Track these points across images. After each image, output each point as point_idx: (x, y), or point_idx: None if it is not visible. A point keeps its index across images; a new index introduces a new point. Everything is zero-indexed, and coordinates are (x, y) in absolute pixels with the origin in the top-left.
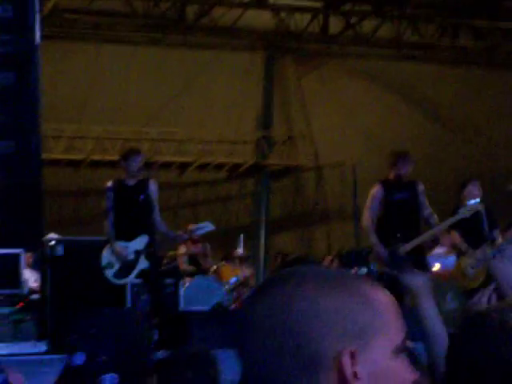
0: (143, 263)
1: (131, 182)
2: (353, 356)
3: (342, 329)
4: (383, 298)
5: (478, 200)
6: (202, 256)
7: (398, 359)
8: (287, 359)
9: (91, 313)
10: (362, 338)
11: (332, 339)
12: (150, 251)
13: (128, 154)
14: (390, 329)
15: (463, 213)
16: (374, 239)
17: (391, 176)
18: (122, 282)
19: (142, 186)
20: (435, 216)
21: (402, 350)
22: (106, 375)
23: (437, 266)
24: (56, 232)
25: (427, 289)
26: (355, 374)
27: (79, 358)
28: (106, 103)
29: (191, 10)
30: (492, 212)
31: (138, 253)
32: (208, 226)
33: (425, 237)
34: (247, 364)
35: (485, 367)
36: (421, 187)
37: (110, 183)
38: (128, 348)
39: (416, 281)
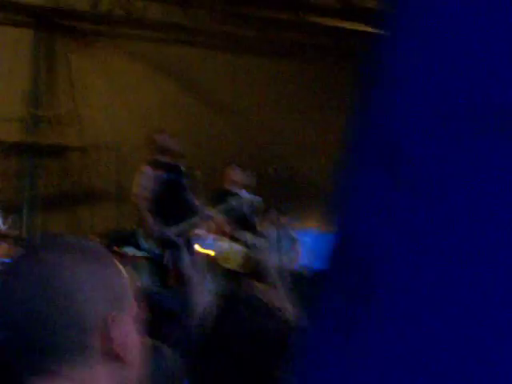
0: None
1: None
2: (113, 320)
3: (102, 293)
4: (127, 274)
5: (249, 194)
6: None
7: (136, 328)
8: (56, 322)
9: None
10: (118, 302)
11: (95, 303)
12: None
13: None
14: (131, 296)
15: (234, 204)
16: (148, 217)
17: (158, 156)
18: None
19: None
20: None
21: (138, 320)
22: None
23: (197, 247)
24: None
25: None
26: (115, 337)
27: None
28: None
29: None
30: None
31: None
32: None
33: (193, 221)
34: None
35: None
36: (184, 167)
37: None
38: None
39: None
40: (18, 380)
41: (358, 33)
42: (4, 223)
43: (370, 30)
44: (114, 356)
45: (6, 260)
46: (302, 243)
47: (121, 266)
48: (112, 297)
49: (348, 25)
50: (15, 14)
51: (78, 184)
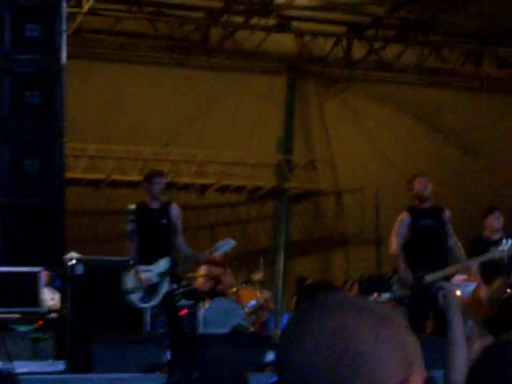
0: (167, 286)
1: (155, 204)
2: (405, 383)
3: (399, 357)
4: (413, 334)
5: (510, 242)
6: (223, 278)
7: None
8: (352, 379)
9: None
10: (409, 365)
11: (390, 366)
12: (173, 273)
13: (151, 176)
14: (421, 361)
15: (494, 254)
16: (402, 264)
17: (416, 202)
18: (147, 305)
19: (165, 209)
20: (460, 247)
21: (427, 381)
22: None
23: (457, 293)
24: (76, 251)
25: (459, 307)
26: None
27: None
28: (127, 123)
29: (215, 33)
30: None
31: (161, 275)
32: (230, 243)
33: (452, 269)
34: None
35: None
36: (447, 214)
37: (132, 206)
38: None
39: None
40: None
41: None
42: (261, 270)
43: None
44: None
45: (253, 302)
46: None
47: (410, 329)
48: (405, 361)
49: None
50: (269, 62)
51: (332, 228)
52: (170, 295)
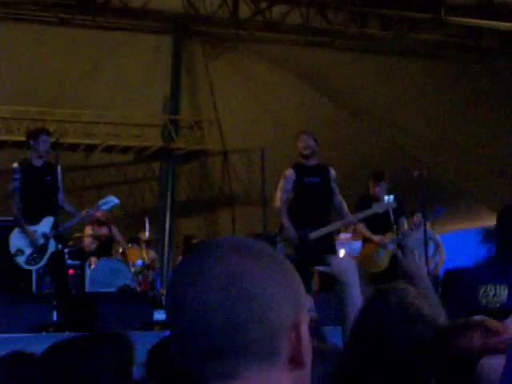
0: (53, 246)
1: (38, 162)
2: (299, 324)
3: (291, 300)
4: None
5: (392, 197)
6: (108, 237)
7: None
8: (251, 320)
9: None
10: (299, 309)
11: (286, 308)
12: (58, 233)
13: (37, 133)
14: (305, 307)
15: (377, 209)
16: (285, 221)
17: (301, 160)
18: (35, 267)
19: (49, 167)
20: (345, 205)
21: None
22: None
23: (342, 252)
24: None
25: (355, 275)
26: (301, 344)
27: None
28: (12, 83)
29: None
30: (400, 200)
31: (46, 236)
32: (112, 201)
33: (335, 226)
34: (188, 320)
35: (384, 341)
36: (332, 173)
37: (15, 164)
38: None
39: (345, 266)
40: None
41: (498, 31)
42: (147, 230)
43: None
44: (298, 360)
45: (140, 262)
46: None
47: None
48: (297, 302)
49: (487, 23)
50: (155, 21)
51: (219, 189)
52: (56, 255)
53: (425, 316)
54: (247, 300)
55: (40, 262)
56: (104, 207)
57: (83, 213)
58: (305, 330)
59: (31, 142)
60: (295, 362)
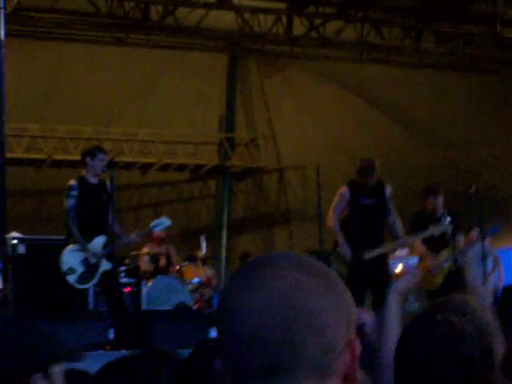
0: (105, 265)
1: (94, 180)
2: (352, 343)
3: (346, 318)
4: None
5: (449, 219)
6: (166, 256)
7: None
8: (309, 336)
9: None
10: (352, 327)
11: (342, 327)
12: (110, 252)
13: (94, 151)
14: (355, 321)
15: (433, 231)
16: (340, 239)
17: (358, 179)
18: (85, 286)
19: (104, 185)
20: (400, 224)
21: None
22: None
23: (399, 267)
24: (17, 231)
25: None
26: (352, 360)
27: None
28: (68, 103)
29: (155, 10)
30: (457, 215)
31: (99, 255)
32: (165, 222)
33: (390, 247)
34: (242, 334)
35: (429, 364)
36: (388, 190)
37: (73, 181)
38: None
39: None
40: None
41: None
42: (204, 247)
43: None
44: (352, 378)
45: (196, 280)
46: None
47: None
48: (350, 319)
49: None
50: (210, 39)
51: (275, 205)
52: (110, 274)
53: (469, 333)
54: (305, 317)
55: (91, 280)
56: (157, 228)
57: (133, 235)
58: (358, 347)
59: (88, 159)
60: (349, 379)
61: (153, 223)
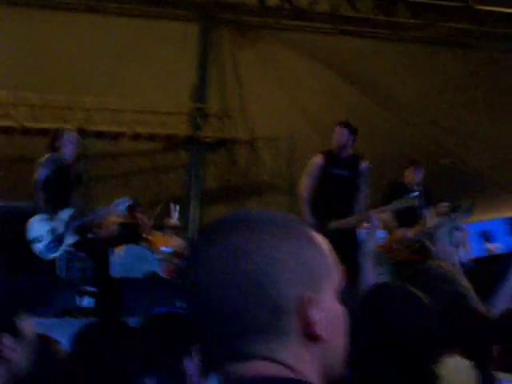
0: (71, 237)
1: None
2: (310, 300)
3: (299, 273)
4: (324, 241)
5: (417, 194)
6: (136, 225)
7: (338, 301)
8: (251, 302)
9: None
10: (315, 281)
11: (292, 284)
12: (79, 224)
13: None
14: (332, 272)
15: (396, 207)
16: (305, 208)
17: (334, 148)
18: (51, 255)
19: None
20: (365, 202)
21: (339, 291)
22: None
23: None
24: None
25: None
26: (313, 318)
27: None
28: (39, 70)
29: None
30: (430, 191)
31: (66, 225)
32: (125, 201)
33: (356, 219)
34: (200, 306)
35: (387, 329)
36: (364, 166)
37: (48, 155)
38: None
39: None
40: (215, 365)
41: None
42: (176, 216)
43: None
44: (314, 337)
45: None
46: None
47: (322, 242)
48: (310, 277)
49: None
50: (182, 9)
51: (248, 177)
52: (80, 244)
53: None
54: (249, 283)
55: (56, 251)
56: (120, 208)
57: (95, 215)
58: (318, 307)
59: (60, 140)
60: (311, 337)
61: (116, 202)
